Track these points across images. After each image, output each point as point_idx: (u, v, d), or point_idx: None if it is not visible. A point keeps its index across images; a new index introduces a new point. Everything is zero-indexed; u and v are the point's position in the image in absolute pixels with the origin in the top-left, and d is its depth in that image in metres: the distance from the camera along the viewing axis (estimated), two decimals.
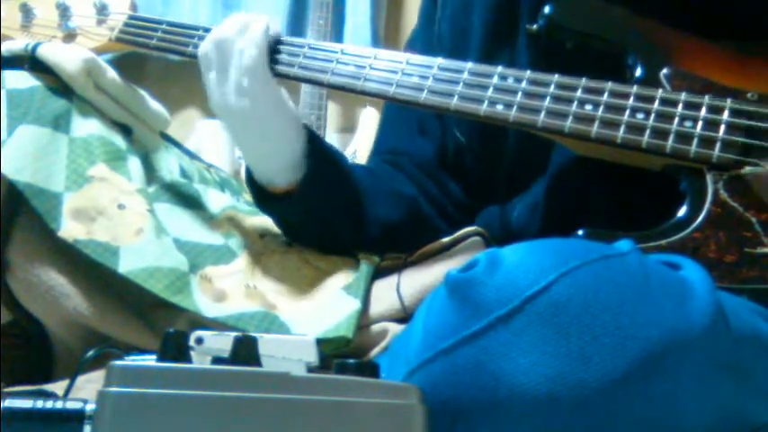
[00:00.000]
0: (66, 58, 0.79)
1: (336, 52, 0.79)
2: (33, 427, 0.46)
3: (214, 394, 0.41)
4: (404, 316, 0.75)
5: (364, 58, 0.78)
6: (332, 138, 1.94)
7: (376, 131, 0.98)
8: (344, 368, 0.44)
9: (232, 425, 0.41)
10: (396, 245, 0.84)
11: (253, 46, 0.77)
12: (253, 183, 0.82)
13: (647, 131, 0.68)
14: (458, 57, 0.76)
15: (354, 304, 0.74)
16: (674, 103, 0.68)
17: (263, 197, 0.82)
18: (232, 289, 0.76)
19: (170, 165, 0.87)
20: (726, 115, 0.67)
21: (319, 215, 0.82)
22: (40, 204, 0.72)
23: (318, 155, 0.80)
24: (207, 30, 0.84)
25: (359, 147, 1.89)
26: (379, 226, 0.83)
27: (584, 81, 0.71)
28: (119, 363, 0.41)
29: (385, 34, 2.06)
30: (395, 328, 0.74)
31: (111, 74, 0.82)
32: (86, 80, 0.80)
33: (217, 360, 0.44)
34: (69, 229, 0.71)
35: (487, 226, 0.82)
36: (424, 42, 0.92)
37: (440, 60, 0.76)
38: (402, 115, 0.92)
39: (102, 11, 0.91)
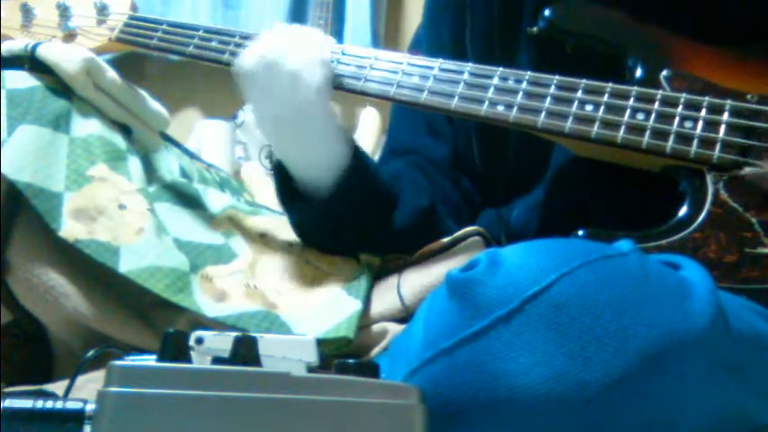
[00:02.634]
0: (66, 57, 0.79)
1: (337, 53, 0.79)
2: (33, 427, 0.46)
3: (214, 394, 0.41)
4: (404, 316, 0.75)
5: (365, 58, 0.78)
6: None
7: (387, 131, 0.98)
8: (344, 368, 0.44)
9: (232, 425, 0.41)
10: (405, 248, 0.83)
11: (320, 65, 0.76)
12: (281, 176, 0.81)
13: (648, 132, 0.68)
14: (458, 57, 0.76)
15: (355, 305, 0.74)
16: (675, 104, 0.68)
17: (288, 192, 0.81)
18: (232, 288, 0.76)
19: (170, 165, 0.87)
20: (726, 116, 0.67)
21: (339, 224, 0.81)
22: (41, 204, 0.72)
23: (355, 173, 0.79)
24: (208, 30, 0.84)
25: None
26: (394, 237, 0.83)
27: (584, 82, 0.71)
28: (119, 363, 0.41)
29: (385, 34, 2.06)
30: (395, 328, 0.74)
31: (111, 74, 0.82)
32: (86, 80, 0.80)
33: (217, 360, 0.44)
34: (70, 229, 0.71)
35: (488, 226, 0.82)
36: (428, 43, 0.92)
37: (440, 61, 0.76)
38: (413, 115, 0.92)
39: (102, 11, 0.91)
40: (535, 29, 0.76)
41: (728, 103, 0.68)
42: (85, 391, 0.57)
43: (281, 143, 0.80)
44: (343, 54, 0.79)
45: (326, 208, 0.79)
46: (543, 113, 0.70)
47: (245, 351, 0.43)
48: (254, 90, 0.77)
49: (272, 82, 0.76)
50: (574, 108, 0.70)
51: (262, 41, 0.78)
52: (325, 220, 0.81)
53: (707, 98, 0.68)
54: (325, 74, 0.77)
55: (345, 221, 0.81)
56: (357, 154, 0.80)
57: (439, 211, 0.87)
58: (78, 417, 0.45)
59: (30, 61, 0.80)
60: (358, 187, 0.79)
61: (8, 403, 0.46)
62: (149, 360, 0.42)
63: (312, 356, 0.44)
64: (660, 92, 0.69)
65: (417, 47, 0.93)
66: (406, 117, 0.93)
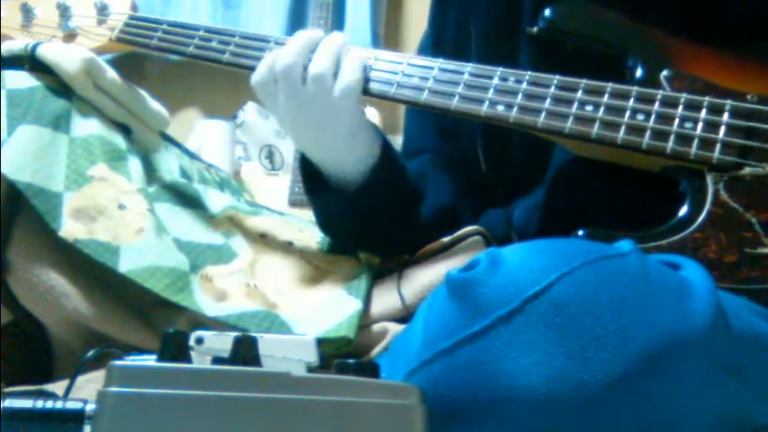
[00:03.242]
0: (66, 57, 0.79)
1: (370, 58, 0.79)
2: (33, 427, 0.46)
3: (214, 394, 0.41)
4: (404, 315, 0.75)
5: (364, 58, 0.78)
6: None
7: (403, 132, 0.98)
8: (344, 368, 0.44)
9: (232, 425, 0.41)
10: (423, 246, 0.83)
11: (355, 70, 0.76)
12: (309, 174, 0.81)
13: (648, 133, 0.68)
14: (460, 58, 0.76)
15: (356, 304, 0.74)
16: (675, 105, 0.68)
17: (317, 186, 0.81)
18: (233, 288, 0.76)
19: (170, 165, 0.87)
20: (726, 116, 0.67)
21: (366, 221, 0.82)
22: (41, 204, 0.72)
23: (384, 172, 0.79)
24: (208, 30, 0.84)
25: None
26: (418, 231, 0.83)
27: (584, 82, 0.71)
28: (119, 363, 0.41)
29: (385, 34, 2.06)
30: (395, 328, 0.74)
31: (111, 73, 0.82)
32: (86, 80, 0.80)
33: (217, 360, 0.44)
34: (70, 229, 0.71)
35: (490, 226, 0.82)
36: (433, 44, 0.92)
37: (440, 61, 0.76)
38: (426, 117, 0.92)
39: (102, 11, 0.91)
40: (535, 29, 0.76)
41: (728, 103, 0.68)
42: (85, 391, 0.57)
43: (309, 143, 0.80)
44: None
45: (353, 201, 0.80)
46: (543, 114, 0.70)
47: (245, 351, 0.43)
48: (277, 96, 0.77)
49: (296, 84, 0.75)
50: (574, 108, 0.70)
51: (281, 50, 0.78)
52: (351, 214, 0.81)
53: (707, 98, 0.68)
54: (353, 76, 0.76)
55: (371, 215, 0.81)
56: (386, 149, 0.80)
57: (460, 210, 0.87)
58: (78, 417, 0.46)
59: (30, 61, 0.80)
60: (386, 182, 0.80)
61: (8, 403, 0.46)
62: (149, 360, 0.42)
63: (312, 356, 0.44)
64: (660, 92, 0.69)
65: (424, 51, 0.93)
66: (421, 119, 0.94)
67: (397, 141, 0.97)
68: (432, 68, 0.76)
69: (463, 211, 0.89)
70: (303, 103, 0.76)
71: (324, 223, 0.85)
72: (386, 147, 0.80)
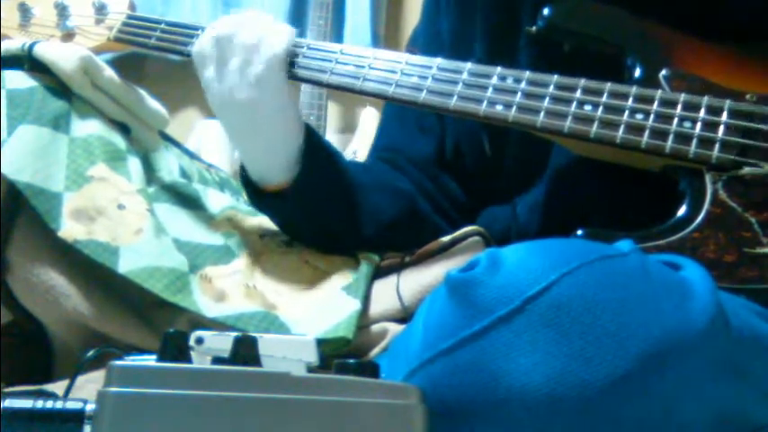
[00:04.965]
0: (63, 56, 0.79)
1: (336, 52, 0.79)
2: (33, 427, 0.46)
3: (214, 394, 0.41)
4: (404, 316, 0.75)
5: (363, 58, 0.78)
6: (332, 138, 1.95)
7: (376, 128, 0.99)
8: (344, 368, 0.44)
9: (232, 425, 0.41)
10: (392, 242, 0.84)
11: (279, 45, 0.77)
12: (247, 180, 0.82)
13: (647, 132, 0.68)
14: (458, 57, 0.76)
15: (354, 305, 0.74)
16: (674, 104, 0.68)
17: (257, 195, 0.82)
18: (232, 289, 0.76)
19: (170, 165, 0.87)
20: (725, 116, 0.67)
21: (313, 213, 0.82)
22: (40, 204, 0.72)
23: (314, 154, 0.80)
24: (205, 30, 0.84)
25: (359, 147, 1.89)
26: (374, 223, 0.84)
27: (583, 82, 0.71)
28: (119, 363, 0.41)
29: (385, 34, 2.06)
30: (395, 328, 0.74)
31: (109, 72, 0.82)
32: (83, 78, 0.79)
33: (217, 360, 0.44)
34: (69, 230, 0.71)
35: (488, 226, 0.82)
36: (426, 39, 0.92)
37: (439, 60, 0.76)
38: (402, 113, 0.92)
39: (100, 10, 0.91)
40: (534, 28, 0.76)
41: (727, 103, 0.68)
42: (85, 391, 0.57)
43: (234, 128, 0.80)
44: (342, 53, 0.79)
45: (290, 198, 0.80)
46: (542, 113, 0.70)
47: (245, 351, 0.43)
48: (205, 68, 0.78)
49: (226, 55, 0.76)
50: (573, 108, 0.70)
51: (217, 22, 0.79)
52: (293, 212, 0.82)
53: (706, 98, 0.68)
54: (277, 54, 0.77)
55: (313, 210, 0.81)
56: (311, 139, 0.80)
57: (419, 201, 0.87)
58: (78, 417, 0.46)
59: (29, 61, 0.80)
60: (315, 172, 0.80)
61: (8, 403, 0.46)
62: (149, 360, 0.42)
63: (312, 356, 0.44)
64: (659, 92, 0.69)
65: (416, 42, 0.93)
66: (396, 115, 0.94)
67: None
68: (430, 68, 0.76)
69: (437, 207, 0.89)
70: (228, 73, 0.76)
71: (281, 228, 0.85)
72: (310, 134, 0.81)
